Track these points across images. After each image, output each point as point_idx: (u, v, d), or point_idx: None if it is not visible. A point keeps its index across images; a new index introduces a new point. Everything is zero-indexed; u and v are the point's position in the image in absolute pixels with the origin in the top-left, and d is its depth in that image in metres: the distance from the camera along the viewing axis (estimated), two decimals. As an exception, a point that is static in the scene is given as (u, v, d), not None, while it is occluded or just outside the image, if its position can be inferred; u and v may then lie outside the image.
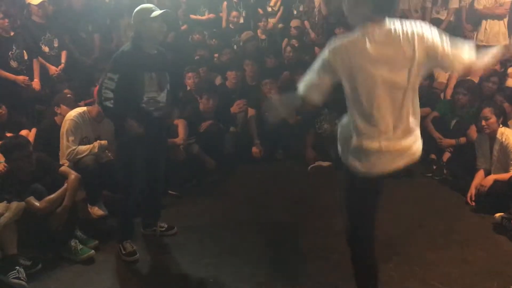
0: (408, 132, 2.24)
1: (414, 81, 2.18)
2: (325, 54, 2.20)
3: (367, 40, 2.12)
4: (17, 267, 3.12)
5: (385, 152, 2.21)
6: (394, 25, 2.16)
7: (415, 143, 2.30)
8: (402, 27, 2.15)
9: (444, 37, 2.18)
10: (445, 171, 4.85)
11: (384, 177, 2.29)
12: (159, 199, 3.82)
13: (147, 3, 3.66)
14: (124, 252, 3.45)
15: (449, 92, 5.56)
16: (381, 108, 2.16)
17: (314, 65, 2.25)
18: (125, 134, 3.35)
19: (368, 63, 2.11)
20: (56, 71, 5.40)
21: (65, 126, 4.06)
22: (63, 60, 5.51)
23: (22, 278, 3.09)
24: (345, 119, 2.36)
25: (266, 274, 3.25)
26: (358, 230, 2.41)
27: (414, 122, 2.26)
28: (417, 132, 2.32)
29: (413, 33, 2.14)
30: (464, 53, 2.18)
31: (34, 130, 4.55)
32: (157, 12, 3.27)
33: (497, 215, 3.82)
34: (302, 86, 2.29)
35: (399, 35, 2.13)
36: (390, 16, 2.18)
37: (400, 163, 2.27)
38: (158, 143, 3.51)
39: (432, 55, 2.16)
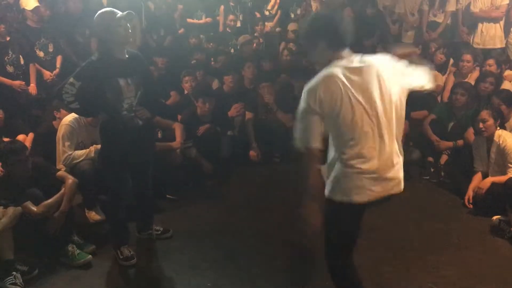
0: (392, 160, 2.25)
1: (389, 108, 2.20)
2: (305, 97, 2.19)
3: (340, 72, 2.16)
4: (14, 273, 3.11)
5: (373, 180, 2.22)
6: (358, 57, 2.23)
7: (400, 172, 2.31)
8: (366, 58, 2.23)
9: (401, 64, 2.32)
10: (442, 174, 4.84)
11: (371, 205, 2.31)
12: (151, 203, 3.77)
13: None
14: (121, 256, 3.44)
15: (446, 94, 5.57)
16: (365, 136, 2.17)
17: (301, 114, 2.22)
18: (108, 142, 3.38)
19: (348, 93, 2.13)
20: (51, 76, 5.38)
21: (61, 131, 4.06)
22: (58, 65, 5.50)
23: (19, 283, 3.08)
24: (331, 157, 2.32)
25: (264, 278, 3.24)
26: (341, 257, 2.41)
27: (398, 151, 2.28)
28: (401, 160, 2.32)
29: (377, 62, 2.22)
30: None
31: (31, 135, 4.54)
32: (121, 14, 3.16)
33: (495, 217, 3.83)
34: (301, 139, 2.25)
35: (367, 65, 2.19)
36: (350, 48, 2.25)
37: (386, 191, 2.30)
38: (143, 150, 3.46)
39: (399, 79, 2.26)
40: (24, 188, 3.37)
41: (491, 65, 5.53)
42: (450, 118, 5.04)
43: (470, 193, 4.17)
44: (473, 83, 5.39)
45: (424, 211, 4.20)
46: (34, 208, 3.30)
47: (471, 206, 4.15)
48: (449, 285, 3.10)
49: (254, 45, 7.18)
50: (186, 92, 5.69)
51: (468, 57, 5.65)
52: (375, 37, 6.85)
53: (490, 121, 4.09)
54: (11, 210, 3.18)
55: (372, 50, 6.43)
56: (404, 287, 3.10)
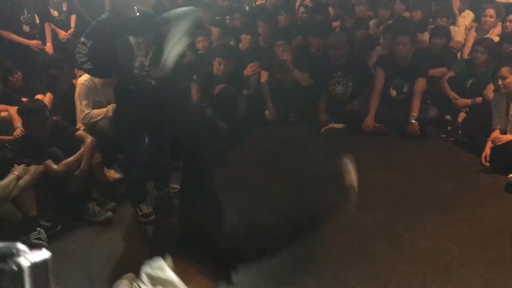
0: None
1: None
2: None
3: None
4: (38, 228, 3.21)
5: None
6: None
7: None
8: None
9: None
10: (460, 132, 4.79)
11: None
12: (167, 162, 3.81)
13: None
14: (140, 213, 3.52)
15: (466, 51, 5.43)
16: None
17: None
18: (121, 102, 3.42)
19: None
20: (66, 35, 5.39)
21: (77, 90, 4.10)
22: (72, 24, 5.49)
23: (43, 238, 3.19)
24: None
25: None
26: None
27: None
28: None
29: None
30: None
31: (48, 95, 4.59)
32: None
33: (510, 175, 3.80)
34: None
35: None
36: None
37: None
38: (157, 109, 3.45)
39: None
40: (45, 147, 3.44)
41: (511, 20, 5.35)
42: (469, 75, 4.92)
43: (487, 150, 4.13)
44: (495, 39, 5.24)
45: (440, 168, 4.19)
46: (55, 167, 3.37)
47: (487, 164, 4.12)
48: (464, 242, 3.12)
49: None
50: (200, 52, 5.64)
51: (491, 11, 5.47)
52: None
53: (510, 78, 4.00)
54: (32, 168, 3.26)
55: None
56: (418, 245, 3.12)
